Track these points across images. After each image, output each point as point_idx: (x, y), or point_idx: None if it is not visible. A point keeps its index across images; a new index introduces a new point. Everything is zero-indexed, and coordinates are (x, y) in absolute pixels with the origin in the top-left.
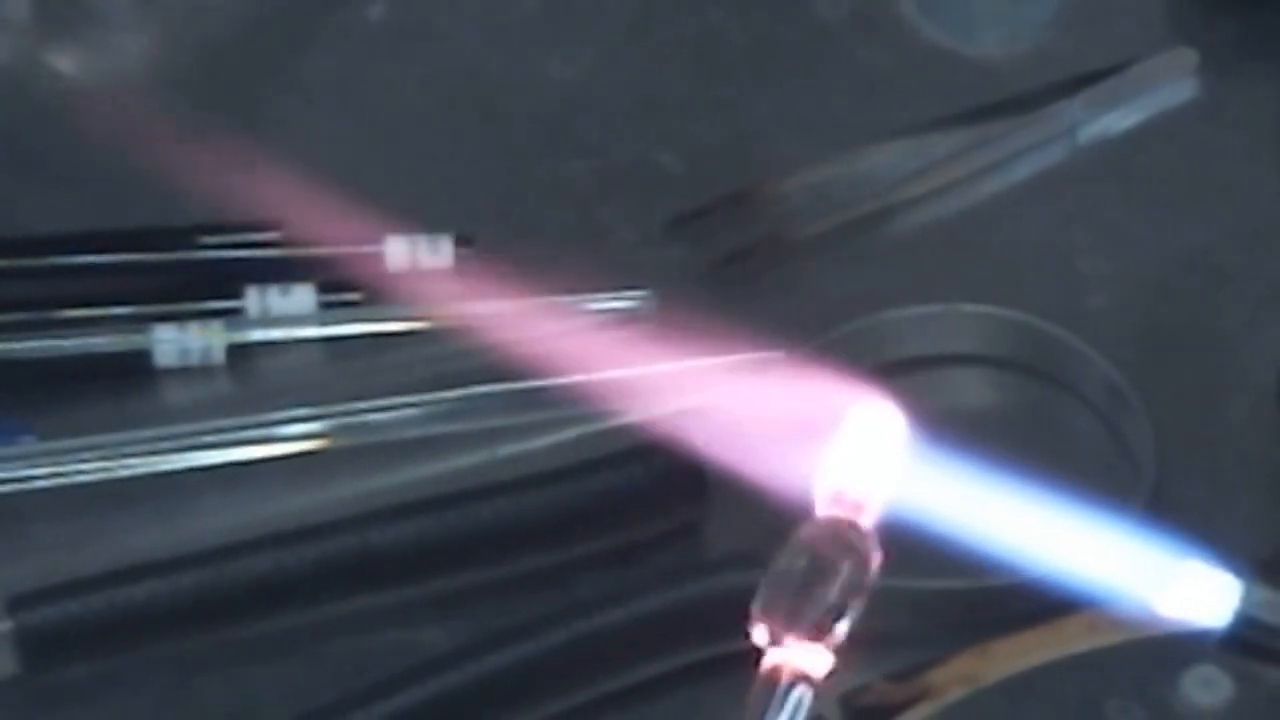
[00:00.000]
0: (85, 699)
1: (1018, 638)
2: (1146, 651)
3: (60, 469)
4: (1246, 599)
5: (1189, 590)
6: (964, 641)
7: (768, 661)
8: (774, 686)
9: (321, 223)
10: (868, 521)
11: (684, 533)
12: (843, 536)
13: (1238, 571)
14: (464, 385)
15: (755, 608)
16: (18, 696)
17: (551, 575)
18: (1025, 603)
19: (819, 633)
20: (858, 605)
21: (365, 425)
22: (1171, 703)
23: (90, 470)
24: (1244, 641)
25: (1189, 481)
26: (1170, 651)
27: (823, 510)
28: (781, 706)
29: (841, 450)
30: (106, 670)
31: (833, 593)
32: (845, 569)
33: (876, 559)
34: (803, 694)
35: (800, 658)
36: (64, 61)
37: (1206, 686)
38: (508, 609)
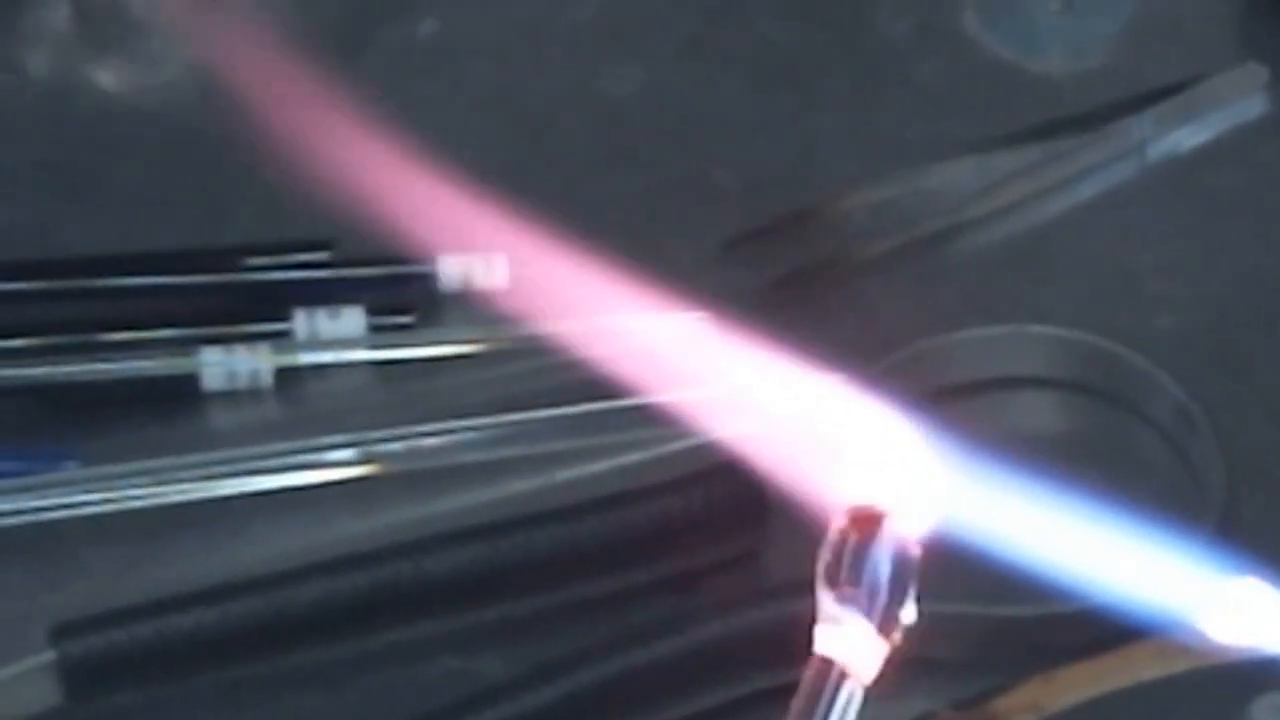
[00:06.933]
0: None
1: (1084, 665)
2: (1215, 679)
3: (106, 494)
4: None
5: (1258, 616)
6: (1030, 669)
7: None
8: (823, 681)
9: (372, 243)
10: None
11: (744, 559)
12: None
13: None
14: (519, 409)
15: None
16: None
17: (609, 602)
18: (1092, 629)
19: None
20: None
21: (417, 450)
22: None
23: (137, 496)
24: None
25: (1258, 505)
26: (1240, 678)
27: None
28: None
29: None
30: (152, 700)
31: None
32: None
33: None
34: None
35: (852, 649)
36: (107, 77)
37: (1277, 714)
38: (565, 637)
